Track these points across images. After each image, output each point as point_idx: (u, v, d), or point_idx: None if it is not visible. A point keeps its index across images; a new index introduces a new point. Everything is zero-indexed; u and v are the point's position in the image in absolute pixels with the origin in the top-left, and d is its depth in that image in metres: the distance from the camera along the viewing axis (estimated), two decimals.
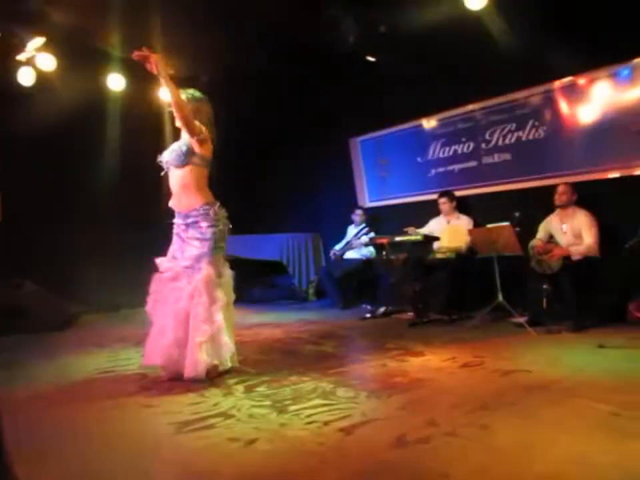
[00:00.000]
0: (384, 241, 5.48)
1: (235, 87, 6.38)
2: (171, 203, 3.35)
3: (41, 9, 4.80)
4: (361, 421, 2.33)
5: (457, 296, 5.32)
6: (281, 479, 1.85)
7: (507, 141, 5.69)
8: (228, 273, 3.38)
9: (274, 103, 6.86)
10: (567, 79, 5.16)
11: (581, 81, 5.07)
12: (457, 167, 6.20)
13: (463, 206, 5.91)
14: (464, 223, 5.61)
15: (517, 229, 4.50)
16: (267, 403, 2.66)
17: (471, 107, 5.99)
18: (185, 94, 3.28)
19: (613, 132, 4.82)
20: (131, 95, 6.38)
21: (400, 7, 4.96)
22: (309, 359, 3.69)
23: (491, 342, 4.04)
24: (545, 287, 4.35)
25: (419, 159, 6.60)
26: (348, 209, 7.01)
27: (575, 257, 4.44)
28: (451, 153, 6.25)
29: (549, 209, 4.88)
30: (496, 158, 5.80)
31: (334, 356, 3.81)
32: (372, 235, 6.32)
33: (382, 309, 5.73)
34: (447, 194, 5.80)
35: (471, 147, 6.03)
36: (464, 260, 5.36)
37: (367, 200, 7.31)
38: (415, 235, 5.32)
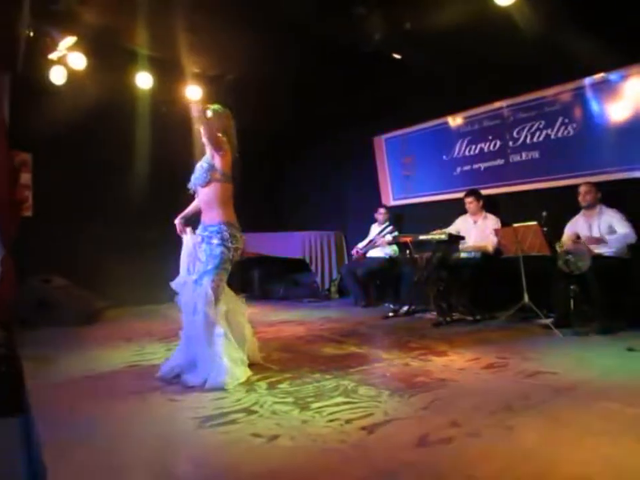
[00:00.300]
0: (408, 239, 5.45)
1: (261, 86, 6.41)
2: (201, 220, 3.38)
3: (72, 9, 4.89)
4: (383, 419, 2.33)
5: (481, 296, 5.27)
6: (303, 476, 1.86)
7: (535, 139, 5.59)
8: (227, 300, 3.30)
9: (300, 101, 6.88)
10: (598, 76, 5.04)
11: (613, 77, 4.96)
12: (483, 165, 6.12)
13: (489, 205, 5.83)
14: (491, 222, 5.53)
15: (544, 228, 4.43)
16: (290, 399, 2.67)
17: (497, 104, 5.90)
18: (211, 110, 3.28)
19: None
20: (158, 93, 6.46)
21: (425, 4, 4.91)
22: (331, 357, 3.69)
23: (515, 343, 3.98)
24: (572, 287, 4.27)
25: (444, 157, 6.54)
26: (371, 207, 6.99)
27: (606, 250, 4.34)
28: (477, 151, 6.17)
29: (577, 208, 4.79)
30: (524, 156, 5.71)
31: (356, 354, 3.80)
32: (396, 233, 6.29)
33: (405, 308, 5.71)
34: (473, 193, 5.72)
35: (497, 145, 5.95)
36: (489, 259, 5.30)
37: (391, 198, 7.27)
38: (439, 234, 5.28)
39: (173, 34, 5.26)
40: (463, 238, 5.43)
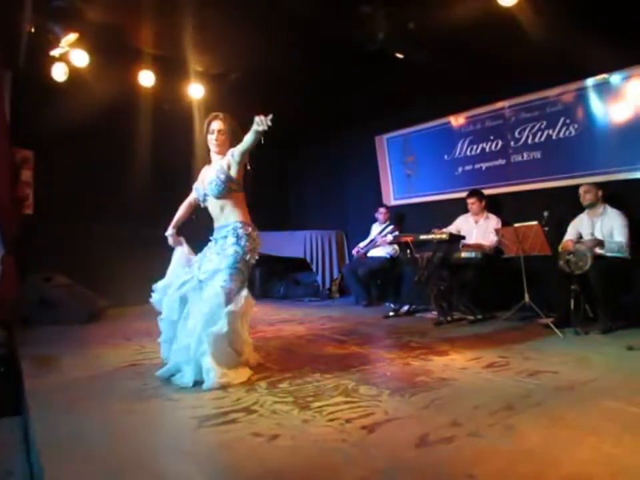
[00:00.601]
0: (409, 239, 5.45)
1: (263, 85, 6.41)
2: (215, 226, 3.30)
3: (74, 5, 4.88)
4: (383, 419, 2.32)
5: (482, 295, 5.27)
6: (303, 475, 1.85)
7: (536, 139, 5.59)
8: (248, 303, 3.17)
9: (301, 100, 6.87)
10: (600, 77, 5.04)
11: (615, 78, 4.95)
12: (484, 165, 6.12)
13: (490, 205, 5.83)
14: (493, 223, 5.54)
15: (546, 228, 4.43)
16: (290, 399, 2.66)
17: (499, 104, 5.91)
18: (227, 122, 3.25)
19: None
20: (161, 91, 6.46)
21: (429, 4, 4.90)
22: (332, 356, 3.68)
23: (516, 342, 3.98)
24: (573, 287, 4.26)
25: (445, 157, 6.54)
26: (373, 206, 6.99)
27: (607, 253, 4.34)
28: (478, 150, 6.17)
29: (578, 208, 4.79)
30: (525, 156, 5.71)
31: (357, 353, 3.79)
32: (397, 233, 6.28)
33: (406, 307, 5.71)
34: (476, 194, 5.72)
35: (499, 145, 5.95)
36: (490, 259, 5.30)
37: (392, 198, 7.27)
38: (440, 234, 5.28)
39: (177, 32, 5.25)
40: (463, 237, 5.43)
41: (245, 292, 3.13)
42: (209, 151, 3.31)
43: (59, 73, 5.55)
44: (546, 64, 5.12)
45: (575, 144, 5.26)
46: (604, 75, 5.01)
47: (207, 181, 3.23)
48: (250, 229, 3.20)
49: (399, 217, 6.93)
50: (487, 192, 5.89)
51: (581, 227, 4.71)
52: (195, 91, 6.57)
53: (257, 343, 3.70)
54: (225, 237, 3.16)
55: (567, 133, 5.32)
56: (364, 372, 3.19)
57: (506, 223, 5.33)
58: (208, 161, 3.36)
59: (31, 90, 5.75)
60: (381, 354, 3.79)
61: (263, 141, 2.99)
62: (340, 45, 5.65)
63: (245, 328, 3.23)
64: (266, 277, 7.85)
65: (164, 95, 6.56)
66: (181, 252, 3.39)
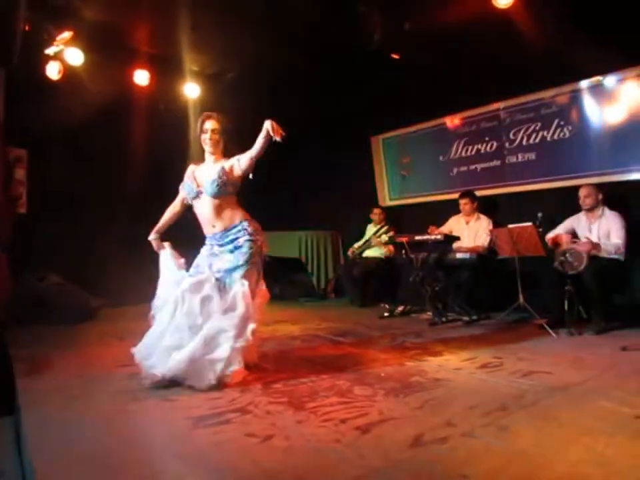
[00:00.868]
0: (404, 239, 5.45)
1: (259, 85, 6.40)
2: (205, 230, 3.25)
3: (69, 3, 4.86)
4: (378, 419, 2.32)
5: (477, 296, 5.28)
6: (298, 476, 1.85)
7: (531, 141, 5.61)
8: (262, 294, 3.30)
9: (296, 100, 6.86)
10: (594, 79, 5.06)
11: (609, 80, 4.98)
12: (479, 166, 6.13)
13: (485, 206, 5.85)
14: (484, 223, 5.57)
15: (540, 229, 4.44)
16: (284, 399, 2.66)
17: (494, 105, 5.92)
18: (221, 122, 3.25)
19: None
20: (156, 90, 6.44)
21: (425, 5, 4.92)
22: (327, 357, 3.69)
23: (511, 343, 3.99)
24: (567, 288, 4.28)
25: (441, 158, 6.55)
26: (368, 207, 6.99)
27: (602, 254, 4.36)
28: (473, 152, 6.19)
29: (573, 209, 4.80)
30: (520, 158, 5.73)
31: (351, 354, 3.79)
32: (391, 233, 6.29)
33: (401, 308, 5.71)
34: (468, 194, 5.74)
35: (494, 146, 5.96)
36: (485, 260, 5.32)
37: (388, 198, 7.28)
38: (435, 234, 5.29)
39: (173, 31, 5.25)
40: (458, 238, 5.44)
41: (262, 284, 3.28)
42: (203, 150, 3.31)
43: (53, 71, 5.53)
44: (541, 66, 5.14)
45: (569, 145, 5.28)
46: (598, 77, 5.03)
47: (204, 179, 3.21)
48: (256, 224, 3.27)
49: (394, 217, 6.93)
50: (481, 193, 5.91)
51: (578, 227, 4.71)
52: (191, 90, 6.56)
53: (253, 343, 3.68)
54: (236, 237, 3.16)
55: (562, 134, 5.34)
56: (359, 372, 3.20)
57: (500, 224, 5.33)
58: (202, 160, 3.34)
59: (25, 88, 5.71)
60: (375, 354, 3.79)
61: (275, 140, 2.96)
62: (336, 46, 5.67)
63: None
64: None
65: (159, 94, 6.55)
66: (168, 256, 3.32)
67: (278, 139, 2.93)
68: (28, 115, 5.66)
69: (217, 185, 3.14)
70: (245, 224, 3.19)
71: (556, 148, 5.39)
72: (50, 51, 5.35)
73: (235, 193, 3.27)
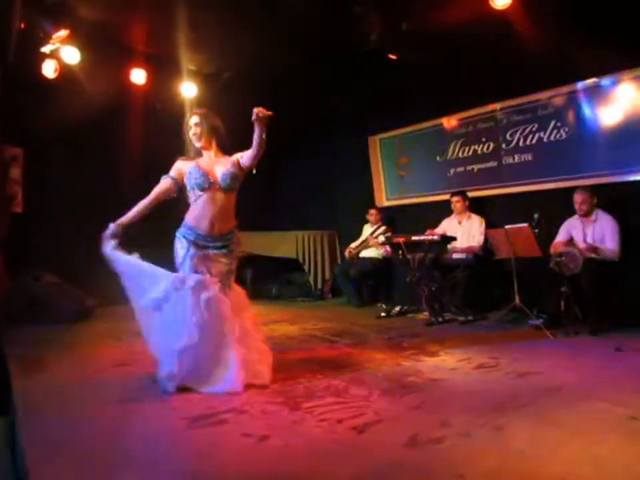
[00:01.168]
0: (401, 239, 5.46)
1: (256, 84, 6.40)
2: (203, 227, 3.08)
3: (65, 1, 4.84)
4: (373, 419, 2.32)
5: (473, 296, 5.29)
6: (293, 476, 1.85)
7: (528, 142, 5.62)
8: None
9: (294, 100, 6.86)
10: (590, 80, 5.08)
11: (605, 82, 4.99)
12: (476, 166, 6.14)
13: (481, 206, 5.87)
14: (476, 222, 5.60)
15: (536, 230, 4.45)
16: (280, 399, 2.66)
17: (491, 106, 5.93)
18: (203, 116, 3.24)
19: (636, 135, 4.74)
20: (153, 90, 6.42)
21: (422, 6, 4.92)
22: (323, 357, 3.69)
23: (506, 343, 4.00)
24: (563, 289, 4.29)
25: (438, 158, 6.56)
26: (365, 207, 6.99)
27: (598, 257, 4.38)
28: (470, 152, 6.20)
29: (569, 210, 4.81)
30: (516, 159, 5.74)
31: (348, 354, 3.80)
32: (389, 234, 6.29)
33: (397, 308, 5.72)
34: (461, 192, 5.80)
35: (491, 147, 5.97)
36: (481, 260, 5.32)
37: (384, 199, 7.28)
38: (432, 235, 5.30)
39: (170, 30, 5.23)
40: (455, 239, 5.45)
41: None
42: (199, 149, 3.29)
43: (49, 69, 5.50)
44: (538, 67, 5.15)
45: (566, 147, 5.29)
46: (594, 79, 5.04)
47: (217, 172, 3.16)
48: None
49: (391, 217, 6.94)
50: (478, 194, 5.93)
51: (573, 230, 4.72)
52: (188, 89, 6.54)
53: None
54: (229, 243, 3.15)
55: (558, 135, 5.36)
56: (355, 372, 3.20)
57: (497, 224, 5.33)
58: (199, 155, 3.27)
59: (21, 87, 5.67)
60: (372, 354, 3.79)
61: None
62: (334, 46, 5.66)
63: None
64: (258, 278, 7.83)
65: (156, 93, 6.52)
66: (130, 263, 3.18)
67: (266, 114, 2.88)
68: (23, 113, 5.63)
69: (232, 178, 3.13)
70: (235, 231, 3.23)
71: (552, 149, 5.40)
72: (46, 49, 5.31)
73: (237, 189, 3.25)
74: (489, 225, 5.48)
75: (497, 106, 5.88)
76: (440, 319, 5.09)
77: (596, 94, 5.08)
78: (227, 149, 3.30)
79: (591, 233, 4.57)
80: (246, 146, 3.15)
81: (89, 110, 5.79)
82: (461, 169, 6.32)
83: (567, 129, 5.29)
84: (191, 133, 3.25)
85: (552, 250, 4.50)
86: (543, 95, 5.46)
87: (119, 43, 5.75)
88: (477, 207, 5.84)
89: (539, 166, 5.53)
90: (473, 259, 5.32)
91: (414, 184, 6.90)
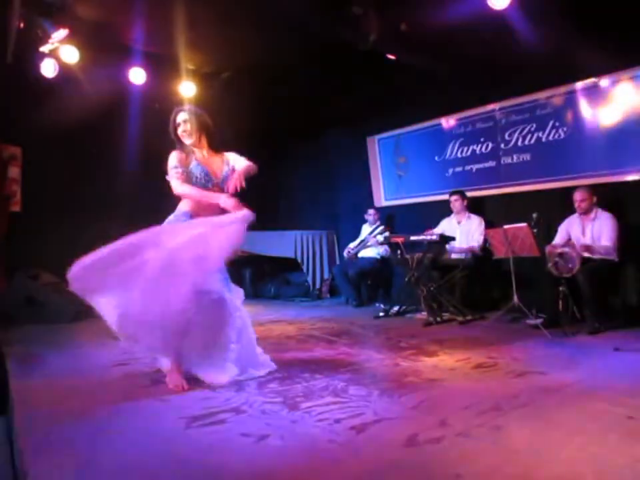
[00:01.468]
0: (399, 239, 5.46)
1: (255, 84, 6.39)
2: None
3: (64, 1, 4.84)
4: (372, 419, 2.32)
5: (472, 296, 5.30)
6: (292, 476, 1.85)
7: (526, 142, 5.63)
8: None
9: (293, 100, 6.87)
10: (589, 80, 5.09)
11: (604, 82, 5.00)
12: (474, 166, 6.15)
13: (480, 206, 5.87)
14: (475, 222, 5.60)
15: (535, 230, 4.45)
16: (279, 399, 2.66)
17: (490, 106, 5.94)
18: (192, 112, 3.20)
19: (635, 134, 4.75)
20: (152, 89, 6.41)
21: (421, 5, 4.92)
22: (322, 357, 3.68)
23: (505, 343, 3.99)
24: (561, 289, 4.29)
25: (436, 158, 6.56)
26: (364, 207, 6.99)
27: (595, 255, 4.38)
28: (469, 152, 6.20)
29: (567, 210, 4.82)
30: (515, 158, 5.75)
31: (346, 354, 3.79)
32: (387, 233, 6.29)
33: (396, 308, 5.71)
34: (459, 192, 5.80)
35: (489, 147, 5.98)
36: (479, 260, 5.33)
37: (383, 198, 7.28)
38: (431, 235, 5.30)
39: (168, 29, 5.22)
40: (454, 239, 5.46)
41: None
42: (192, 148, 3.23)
43: (48, 69, 5.50)
44: (536, 67, 5.16)
45: (564, 147, 5.30)
46: (593, 79, 5.05)
47: (218, 171, 3.15)
48: None
49: (389, 217, 6.94)
50: (477, 193, 5.94)
51: (572, 229, 4.73)
52: (187, 89, 6.53)
53: None
54: None
55: (557, 135, 5.36)
56: (353, 372, 3.20)
57: (496, 224, 5.34)
58: (192, 152, 3.22)
59: (20, 86, 5.68)
60: (370, 354, 3.79)
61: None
62: (332, 46, 5.65)
63: None
64: (256, 277, 7.83)
65: (155, 93, 6.51)
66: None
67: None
68: (22, 112, 5.63)
69: (227, 177, 3.12)
70: None
71: (551, 149, 5.41)
72: (45, 48, 5.30)
73: None
74: (487, 225, 5.48)
75: (496, 106, 5.89)
76: (438, 319, 5.09)
77: (594, 94, 5.09)
78: (217, 145, 3.27)
79: (590, 230, 4.58)
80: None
81: (88, 109, 5.78)
82: (459, 169, 6.32)
83: (565, 129, 5.30)
84: (180, 131, 3.17)
85: (547, 253, 4.48)
86: (541, 95, 5.47)
87: (118, 43, 5.74)
88: (475, 206, 5.85)
89: (538, 166, 5.54)
90: (472, 259, 5.33)
91: (413, 184, 6.91)
